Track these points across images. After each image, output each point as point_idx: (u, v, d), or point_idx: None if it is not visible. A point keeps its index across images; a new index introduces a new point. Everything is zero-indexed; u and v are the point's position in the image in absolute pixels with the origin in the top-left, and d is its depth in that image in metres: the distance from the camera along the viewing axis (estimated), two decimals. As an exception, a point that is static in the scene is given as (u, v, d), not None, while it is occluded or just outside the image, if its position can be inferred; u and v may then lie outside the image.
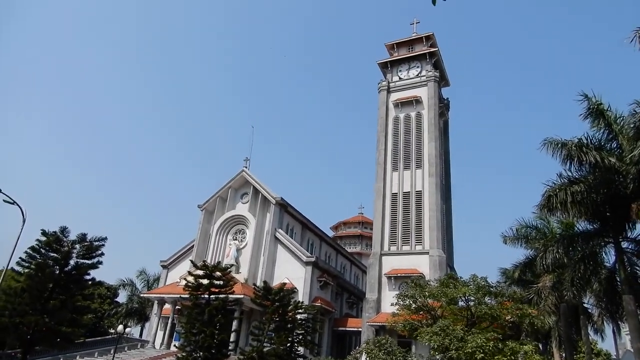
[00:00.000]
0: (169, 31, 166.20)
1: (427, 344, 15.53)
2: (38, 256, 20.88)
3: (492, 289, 16.58)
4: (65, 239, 21.41)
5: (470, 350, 13.08)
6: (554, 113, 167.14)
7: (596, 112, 18.78)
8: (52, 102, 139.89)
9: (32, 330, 19.47)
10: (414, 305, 17.19)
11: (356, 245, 70.41)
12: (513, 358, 13.23)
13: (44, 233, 21.10)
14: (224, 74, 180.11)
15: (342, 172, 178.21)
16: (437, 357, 15.51)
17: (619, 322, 25.45)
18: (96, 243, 21.87)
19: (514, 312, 16.08)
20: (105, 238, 21.97)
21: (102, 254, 21.88)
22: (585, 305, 28.09)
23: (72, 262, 21.50)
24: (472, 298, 15.58)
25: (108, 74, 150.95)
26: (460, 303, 16.13)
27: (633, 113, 17.70)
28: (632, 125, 17.74)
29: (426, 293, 16.83)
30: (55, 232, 21.14)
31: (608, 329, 32.16)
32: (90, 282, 22.69)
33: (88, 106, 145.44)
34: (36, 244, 20.93)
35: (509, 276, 35.31)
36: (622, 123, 18.72)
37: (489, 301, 16.87)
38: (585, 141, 18.28)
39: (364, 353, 16.76)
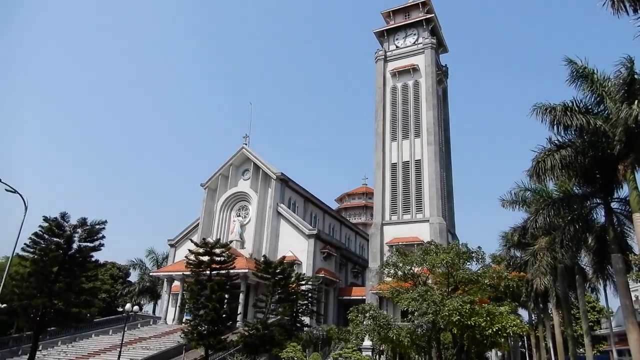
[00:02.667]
0: (164, 9, 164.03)
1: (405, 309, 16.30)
2: (42, 242, 21.58)
3: (473, 255, 17.00)
4: (66, 224, 22.05)
5: (447, 313, 13.62)
6: (555, 75, 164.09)
7: (582, 76, 18.67)
8: (52, 91, 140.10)
9: (41, 313, 20.33)
10: (400, 273, 17.74)
11: (361, 216, 71.10)
12: (489, 319, 13.74)
13: (45, 219, 21.75)
14: (217, 53, 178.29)
15: (346, 144, 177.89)
16: (417, 321, 16.19)
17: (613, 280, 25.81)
18: (97, 227, 22.51)
19: (490, 276, 16.56)
20: (106, 221, 22.63)
21: (103, 236, 22.56)
22: (582, 265, 28.45)
23: (74, 245, 22.20)
24: (453, 264, 16.03)
25: (104, 60, 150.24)
26: (442, 269, 16.66)
27: (617, 75, 17.59)
28: (617, 87, 17.64)
29: (409, 260, 17.35)
30: (56, 218, 21.79)
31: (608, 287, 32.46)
32: (93, 264, 23.47)
33: (88, 92, 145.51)
34: (39, 230, 21.62)
35: (508, 239, 35.77)
36: (609, 85, 18.62)
37: (470, 266, 17.39)
38: (571, 105, 18.22)
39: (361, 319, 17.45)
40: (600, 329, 44.44)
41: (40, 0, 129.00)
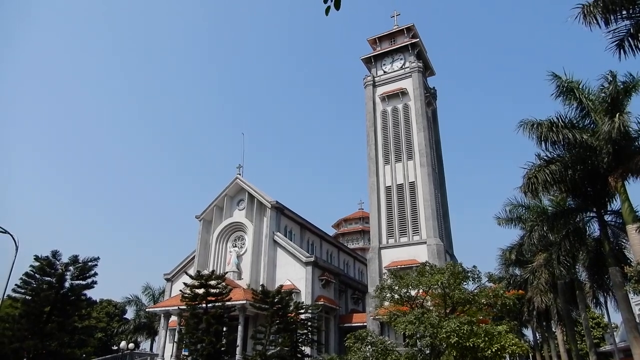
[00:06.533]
0: (153, 41, 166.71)
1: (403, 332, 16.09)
2: (33, 282, 21.24)
3: (468, 274, 16.84)
4: (58, 262, 21.75)
5: (445, 335, 13.37)
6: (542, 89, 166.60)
7: (567, 90, 18.93)
8: (38, 122, 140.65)
9: (33, 355, 19.82)
10: (396, 296, 17.51)
11: (358, 241, 70.66)
12: (487, 339, 13.49)
13: (37, 258, 21.47)
14: (208, 83, 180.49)
15: (340, 169, 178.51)
16: (418, 344, 15.87)
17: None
18: (89, 264, 22.22)
19: (487, 295, 16.38)
20: (98, 258, 22.34)
21: (96, 273, 22.26)
22: (582, 280, 28.24)
23: (66, 284, 21.85)
24: (448, 284, 15.83)
25: (92, 88, 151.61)
26: (439, 290, 16.45)
27: (601, 88, 17.88)
28: (601, 101, 17.89)
29: (404, 283, 17.14)
30: (47, 256, 21.51)
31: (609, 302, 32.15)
32: (86, 302, 23.04)
33: (75, 125, 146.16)
34: (30, 270, 21.31)
35: (506, 258, 35.55)
36: (594, 99, 18.87)
37: (466, 286, 17.19)
38: (556, 120, 18.44)
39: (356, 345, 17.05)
40: (606, 345, 43.80)
41: None
